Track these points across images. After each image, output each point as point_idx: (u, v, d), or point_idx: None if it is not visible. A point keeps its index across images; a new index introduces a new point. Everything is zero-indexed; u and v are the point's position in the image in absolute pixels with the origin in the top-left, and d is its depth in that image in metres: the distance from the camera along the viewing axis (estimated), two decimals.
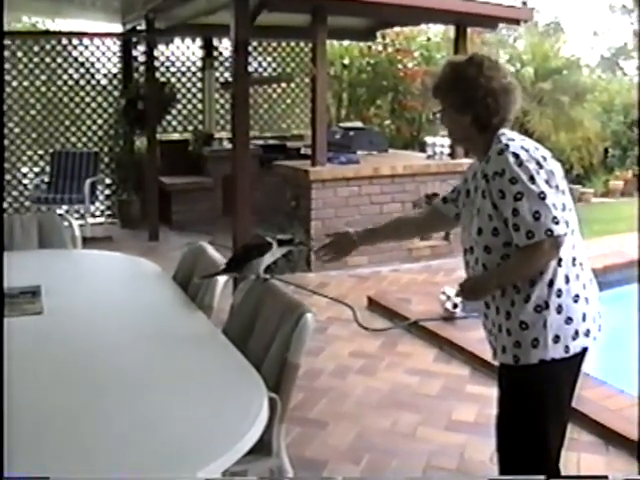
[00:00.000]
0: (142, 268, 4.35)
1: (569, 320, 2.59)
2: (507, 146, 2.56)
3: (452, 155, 8.45)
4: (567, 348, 2.60)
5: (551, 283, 2.58)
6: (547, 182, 2.52)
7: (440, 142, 8.61)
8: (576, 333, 2.60)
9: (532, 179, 2.49)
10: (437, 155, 8.50)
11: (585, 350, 2.67)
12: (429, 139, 8.92)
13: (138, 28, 9.71)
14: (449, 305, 5.81)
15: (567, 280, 2.59)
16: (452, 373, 5.07)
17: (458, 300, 5.77)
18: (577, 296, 2.61)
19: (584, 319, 2.62)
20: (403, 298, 6.57)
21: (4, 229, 4.65)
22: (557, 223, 2.47)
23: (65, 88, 10.23)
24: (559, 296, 2.58)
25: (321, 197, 7.57)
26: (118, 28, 10.40)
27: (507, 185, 2.51)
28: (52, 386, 2.56)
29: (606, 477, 3.34)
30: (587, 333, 2.63)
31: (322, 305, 6.48)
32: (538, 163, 2.53)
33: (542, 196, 2.48)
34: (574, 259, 2.62)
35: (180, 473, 1.97)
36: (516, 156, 2.52)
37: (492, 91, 2.62)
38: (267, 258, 3.26)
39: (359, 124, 10.28)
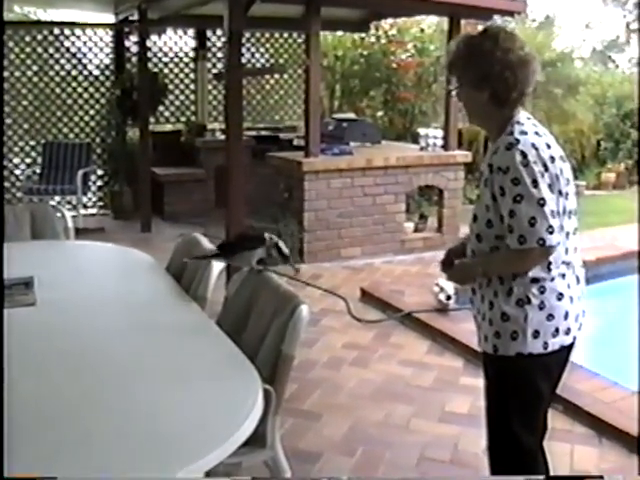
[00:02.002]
0: (135, 259, 4.34)
1: (550, 317, 2.58)
2: (517, 141, 2.49)
3: (445, 147, 8.44)
4: (546, 344, 2.59)
5: (535, 280, 2.57)
6: (550, 187, 2.48)
7: (433, 134, 8.60)
8: (556, 331, 2.60)
9: (535, 183, 2.45)
10: (430, 147, 8.49)
11: (564, 348, 2.65)
12: (422, 130, 8.90)
13: (130, 18, 9.65)
14: (442, 297, 5.82)
15: (552, 279, 2.58)
16: (445, 365, 5.07)
17: (451, 291, 5.77)
18: (561, 294, 2.60)
19: (566, 317, 2.61)
20: (396, 290, 6.58)
21: None
22: (551, 233, 2.46)
23: (57, 79, 10.17)
24: (542, 292, 2.57)
25: (314, 188, 7.56)
26: (110, 18, 10.33)
27: (509, 184, 2.47)
28: (45, 377, 2.55)
29: (601, 477, 3.34)
30: (567, 331, 2.63)
31: (315, 297, 6.48)
32: (545, 165, 2.48)
33: (541, 202, 2.45)
34: (562, 261, 2.60)
35: (176, 465, 1.97)
36: (524, 155, 2.46)
37: (510, 64, 2.54)
38: (258, 253, 3.26)
39: (352, 115, 10.26)
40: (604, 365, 4.78)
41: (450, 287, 5.79)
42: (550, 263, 2.56)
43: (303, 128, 8.05)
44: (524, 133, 2.53)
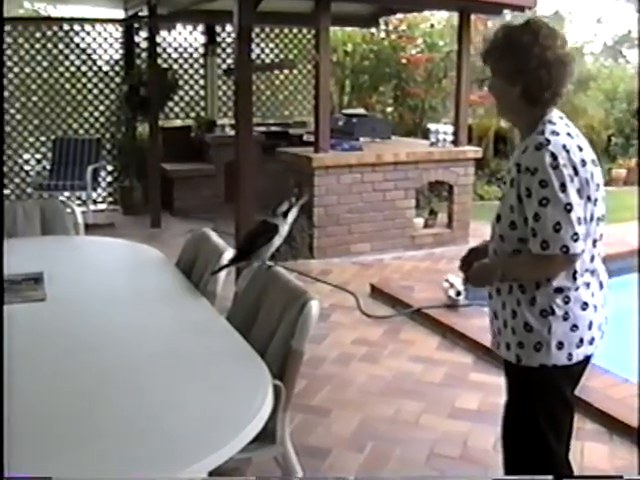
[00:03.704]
0: (145, 255, 4.34)
1: (575, 327, 2.50)
2: (548, 142, 2.39)
3: (455, 142, 8.42)
4: (570, 355, 2.52)
5: (559, 290, 2.49)
6: (579, 192, 2.39)
7: (443, 129, 8.57)
8: (581, 341, 2.52)
9: (563, 186, 2.35)
10: (440, 142, 8.46)
11: (588, 358, 2.59)
12: (432, 126, 8.87)
13: (140, 14, 9.66)
14: (452, 292, 5.81)
15: (577, 288, 2.50)
16: (455, 361, 5.06)
17: (461, 287, 5.76)
18: (585, 304, 2.52)
19: (590, 327, 2.53)
20: (406, 285, 6.57)
21: (6, 216, 4.63)
22: (576, 240, 2.37)
23: (67, 75, 10.19)
24: (566, 303, 2.49)
25: (324, 184, 7.55)
26: (120, 14, 10.34)
27: (536, 186, 2.38)
28: (53, 373, 2.55)
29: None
30: (592, 341, 2.56)
31: (325, 292, 6.48)
32: (575, 168, 2.39)
33: (568, 208, 2.36)
34: (587, 269, 2.52)
35: (185, 461, 1.96)
36: (554, 157, 2.36)
37: (546, 62, 2.43)
38: (276, 242, 3.24)
39: (362, 111, 10.23)
40: (614, 361, 4.75)
41: (460, 283, 5.77)
42: (575, 272, 2.48)
43: (313, 124, 8.04)
44: (556, 134, 2.43)
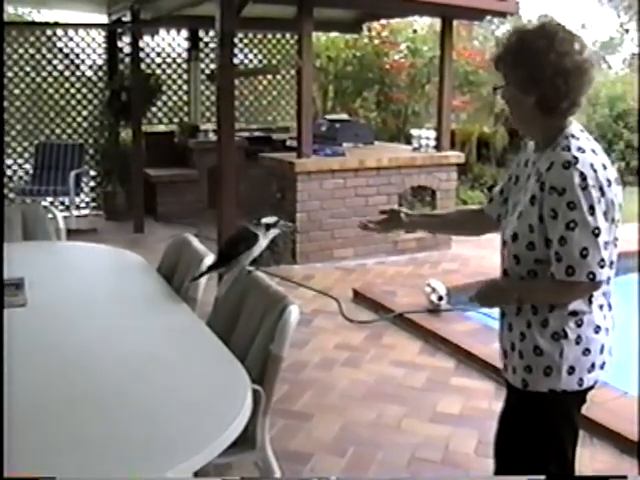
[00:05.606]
0: (126, 260, 4.33)
1: (587, 351, 2.38)
2: (576, 160, 2.24)
3: (438, 147, 8.44)
4: (581, 381, 2.40)
5: (574, 313, 2.37)
6: (605, 214, 2.25)
7: (426, 134, 8.59)
8: (592, 366, 2.41)
9: (592, 209, 2.21)
10: (423, 147, 8.48)
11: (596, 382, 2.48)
12: (415, 131, 8.89)
13: (123, 19, 9.64)
14: (434, 297, 5.82)
15: (591, 311, 2.39)
16: (437, 365, 5.08)
17: (443, 292, 5.78)
18: (598, 327, 2.40)
19: (602, 351, 2.42)
20: (388, 290, 6.58)
21: None
22: (602, 266, 2.25)
23: (50, 79, 10.16)
24: (579, 326, 2.37)
25: (307, 189, 7.55)
26: (103, 19, 10.32)
27: (563, 208, 2.23)
28: (35, 379, 2.54)
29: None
30: (602, 366, 2.45)
31: (307, 297, 6.48)
32: (601, 189, 2.24)
33: (596, 232, 2.22)
34: (603, 292, 2.40)
35: (164, 465, 1.96)
36: (583, 177, 2.21)
37: (563, 70, 2.25)
38: (255, 250, 3.24)
39: (345, 116, 10.25)
40: None
41: (442, 288, 5.80)
42: (592, 296, 2.37)
43: (296, 129, 8.04)
44: (582, 150, 2.28)
